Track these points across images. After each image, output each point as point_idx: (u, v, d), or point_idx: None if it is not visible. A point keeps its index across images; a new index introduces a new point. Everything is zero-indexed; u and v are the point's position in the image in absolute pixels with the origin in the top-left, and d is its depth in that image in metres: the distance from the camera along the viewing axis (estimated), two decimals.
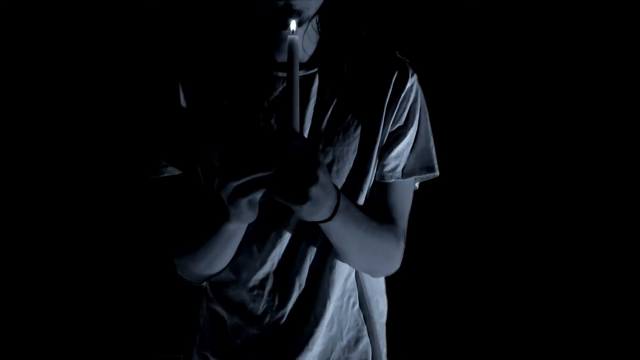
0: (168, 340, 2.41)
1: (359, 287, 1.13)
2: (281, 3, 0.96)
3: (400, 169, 1.09)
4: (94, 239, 2.53)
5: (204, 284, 1.14)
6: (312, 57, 1.08)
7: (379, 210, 1.09)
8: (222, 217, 0.92)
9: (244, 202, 0.84)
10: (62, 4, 2.45)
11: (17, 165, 2.51)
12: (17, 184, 2.52)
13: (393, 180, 1.09)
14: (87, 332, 2.50)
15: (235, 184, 0.82)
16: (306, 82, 1.05)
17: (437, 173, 1.13)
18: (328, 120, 1.05)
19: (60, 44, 2.48)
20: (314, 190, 0.83)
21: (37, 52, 2.47)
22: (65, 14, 2.45)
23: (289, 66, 0.86)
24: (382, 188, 1.10)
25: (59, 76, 2.50)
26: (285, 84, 1.03)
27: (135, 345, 2.48)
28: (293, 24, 0.91)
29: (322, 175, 0.83)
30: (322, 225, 0.96)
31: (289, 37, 0.87)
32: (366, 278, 1.13)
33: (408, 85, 1.09)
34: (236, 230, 0.97)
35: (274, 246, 1.06)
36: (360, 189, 1.07)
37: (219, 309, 1.11)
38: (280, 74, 1.05)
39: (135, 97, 2.34)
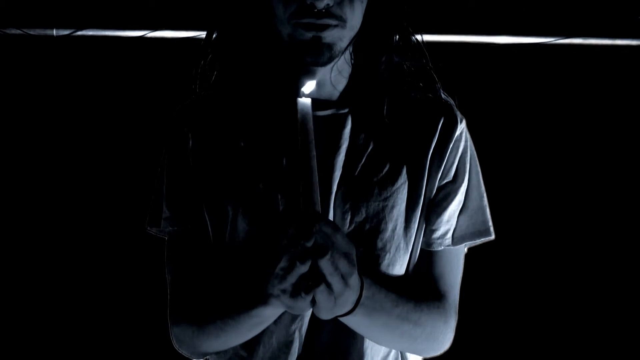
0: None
1: None
2: (309, 35, 0.82)
3: (450, 234, 0.93)
4: (101, 244, 2.55)
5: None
6: (344, 94, 0.93)
7: (424, 282, 0.92)
8: (256, 300, 0.80)
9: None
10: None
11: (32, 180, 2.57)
12: (32, 199, 2.56)
13: (442, 248, 0.92)
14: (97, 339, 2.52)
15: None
16: (337, 124, 0.90)
17: (493, 236, 0.95)
18: (361, 170, 0.90)
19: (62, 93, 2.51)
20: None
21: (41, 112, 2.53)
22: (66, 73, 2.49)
23: (301, 138, 0.73)
24: (428, 257, 0.93)
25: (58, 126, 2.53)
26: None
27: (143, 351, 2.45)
28: (309, 86, 0.78)
29: (342, 266, 0.74)
30: (342, 318, 0.82)
31: (299, 100, 0.73)
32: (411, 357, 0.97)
33: (457, 133, 0.92)
34: (272, 316, 0.85)
35: (293, 319, 0.89)
36: (400, 256, 0.91)
37: None
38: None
39: (140, 136, 2.43)
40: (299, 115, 0.74)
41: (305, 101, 0.74)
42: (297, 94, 0.78)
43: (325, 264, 0.71)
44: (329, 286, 0.73)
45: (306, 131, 0.74)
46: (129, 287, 2.53)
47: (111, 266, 2.55)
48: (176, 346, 0.95)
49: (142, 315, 2.41)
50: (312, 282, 0.72)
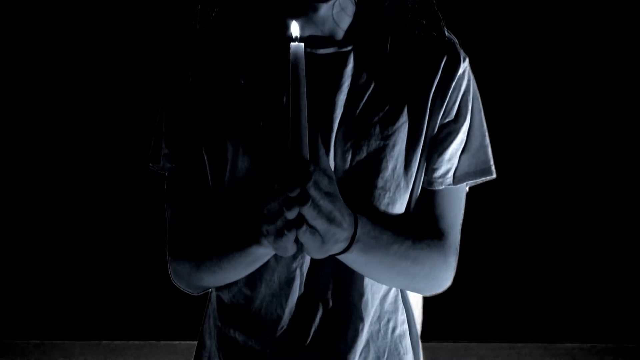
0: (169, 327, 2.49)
1: (406, 307, 0.98)
2: None
3: (451, 173, 0.93)
4: (98, 230, 2.58)
5: (211, 297, 1.00)
6: (347, 33, 0.92)
7: (424, 221, 0.93)
8: (250, 238, 0.83)
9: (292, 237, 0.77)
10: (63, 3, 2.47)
11: (30, 166, 2.62)
12: (27, 184, 2.64)
13: (443, 187, 0.93)
14: (91, 315, 2.60)
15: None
16: (339, 62, 0.90)
17: (494, 175, 0.96)
18: (362, 109, 0.90)
19: (62, 39, 2.51)
20: (320, 224, 0.76)
21: (38, 49, 2.52)
22: (66, 12, 2.49)
23: (292, 83, 0.73)
24: (429, 196, 0.93)
25: (59, 73, 2.54)
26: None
27: (137, 331, 2.54)
28: (295, 27, 0.77)
29: (325, 206, 0.76)
30: (339, 256, 0.84)
31: (292, 45, 0.73)
32: (410, 295, 0.98)
33: (459, 71, 0.91)
34: (265, 255, 0.86)
35: (295, 257, 0.91)
36: (400, 195, 0.91)
37: (228, 329, 0.96)
38: (309, 50, 0.90)
39: (139, 90, 2.36)
40: (291, 60, 0.74)
41: (298, 45, 0.73)
42: (288, 37, 0.77)
43: (306, 210, 0.74)
44: (312, 227, 0.75)
45: (297, 76, 0.74)
46: (130, 224, 2.56)
47: (111, 204, 2.58)
48: (174, 281, 0.97)
49: (143, 252, 2.46)
50: (293, 225, 0.74)
